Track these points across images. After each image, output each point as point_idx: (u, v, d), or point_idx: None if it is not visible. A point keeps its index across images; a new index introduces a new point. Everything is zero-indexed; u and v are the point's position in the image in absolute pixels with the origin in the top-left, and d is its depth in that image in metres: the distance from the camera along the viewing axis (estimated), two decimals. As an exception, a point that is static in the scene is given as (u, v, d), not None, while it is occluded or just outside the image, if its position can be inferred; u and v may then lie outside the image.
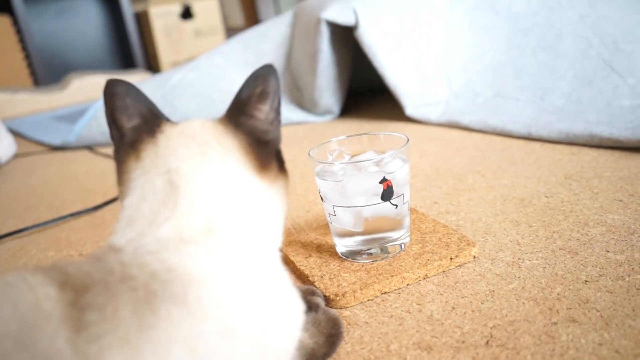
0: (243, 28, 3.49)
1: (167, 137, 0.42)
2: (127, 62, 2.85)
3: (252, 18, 3.82)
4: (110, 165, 1.23)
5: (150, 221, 0.38)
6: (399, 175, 0.59)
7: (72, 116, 1.91)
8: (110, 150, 1.35)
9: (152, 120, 0.44)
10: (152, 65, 2.74)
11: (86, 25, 2.80)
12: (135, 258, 0.35)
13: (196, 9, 2.65)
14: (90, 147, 1.41)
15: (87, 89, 2.32)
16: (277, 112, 0.45)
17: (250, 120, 0.43)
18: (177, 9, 2.60)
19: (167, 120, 0.46)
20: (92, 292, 0.32)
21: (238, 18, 3.78)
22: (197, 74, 1.41)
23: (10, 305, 0.30)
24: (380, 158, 0.59)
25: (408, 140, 0.60)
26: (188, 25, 2.64)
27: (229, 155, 0.42)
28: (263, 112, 0.43)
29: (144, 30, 2.71)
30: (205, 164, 0.40)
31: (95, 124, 1.41)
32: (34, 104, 2.19)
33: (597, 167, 0.83)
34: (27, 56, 2.49)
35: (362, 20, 1.18)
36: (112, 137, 0.45)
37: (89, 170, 1.22)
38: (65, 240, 0.84)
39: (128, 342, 0.30)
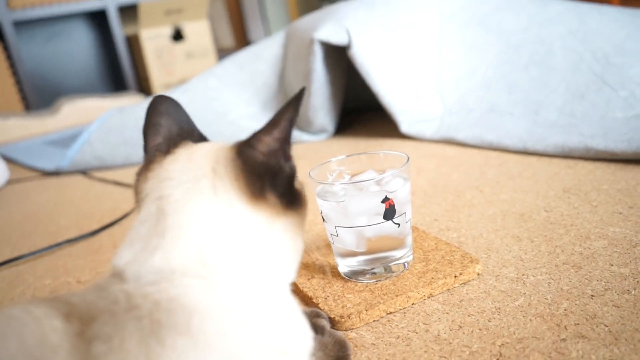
0: (233, 49, 3.51)
1: (173, 159, 0.42)
2: (118, 85, 2.85)
3: (242, 39, 3.84)
4: (105, 190, 1.22)
5: (144, 246, 0.38)
6: (401, 194, 0.58)
7: (65, 141, 1.90)
8: (104, 175, 1.35)
9: (173, 140, 0.44)
10: (144, 88, 2.74)
11: (76, 49, 2.80)
12: (138, 288, 0.35)
13: (187, 30, 2.66)
14: (84, 172, 1.40)
15: (78, 113, 2.31)
16: (284, 142, 0.42)
17: (250, 150, 0.42)
18: (168, 31, 2.61)
19: (196, 140, 0.46)
20: (98, 322, 0.31)
21: (228, 39, 3.80)
22: (191, 96, 1.41)
23: (16, 340, 0.30)
24: (381, 177, 0.59)
25: (408, 158, 0.60)
26: (179, 47, 2.65)
27: (220, 184, 0.40)
28: (264, 142, 0.42)
29: (135, 53, 2.71)
30: (196, 192, 0.40)
31: (89, 148, 1.40)
32: (25, 129, 2.18)
33: (595, 180, 0.83)
34: (18, 81, 2.49)
35: (355, 39, 1.18)
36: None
37: (83, 195, 1.21)
38: (63, 267, 0.83)
39: None
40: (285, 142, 0.43)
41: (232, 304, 0.36)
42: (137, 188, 0.43)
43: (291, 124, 0.42)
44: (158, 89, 2.61)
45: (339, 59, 1.28)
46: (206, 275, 0.37)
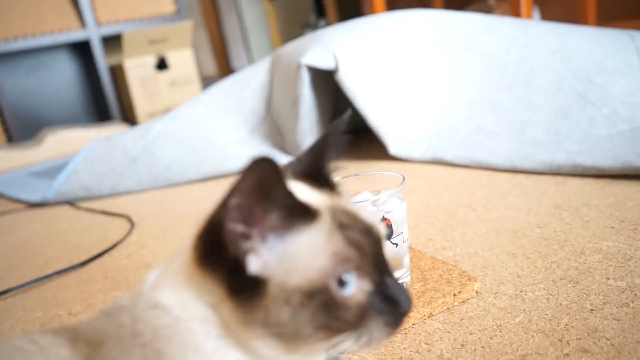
0: (216, 77, 3.53)
1: None
2: (102, 115, 2.83)
3: (225, 67, 3.87)
4: (92, 220, 1.21)
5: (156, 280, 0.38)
6: (397, 214, 0.59)
7: (49, 172, 1.87)
8: (91, 205, 1.33)
9: None
10: (128, 117, 2.73)
11: (59, 80, 2.79)
12: (143, 311, 0.35)
13: (171, 59, 2.67)
14: (70, 203, 1.39)
15: (62, 144, 2.30)
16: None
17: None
18: (152, 60, 2.61)
19: None
20: (106, 346, 0.31)
21: (211, 67, 3.82)
22: (178, 124, 1.41)
23: (22, 372, 0.29)
24: (377, 198, 0.59)
25: (404, 179, 0.60)
26: (163, 75, 2.65)
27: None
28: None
29: (118, 82, 2.71)
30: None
31: (75, 178, 1.38)
32: (8, 161, 2.15)
33: (584, 195, 0.84)
34: (0, 113, 2.47)
35: (341, 64, 1.20)
36: None
37: (71, 226, 1.19)
38: (53, 299, 0.81)
39: None
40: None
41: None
42: None
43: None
44: (143, 118, 2.60)
45: (326, 83, 1.29)
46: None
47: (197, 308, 0.34)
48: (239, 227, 0.33)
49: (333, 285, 0.33)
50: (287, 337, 0.33)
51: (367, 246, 0.35)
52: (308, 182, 0.40)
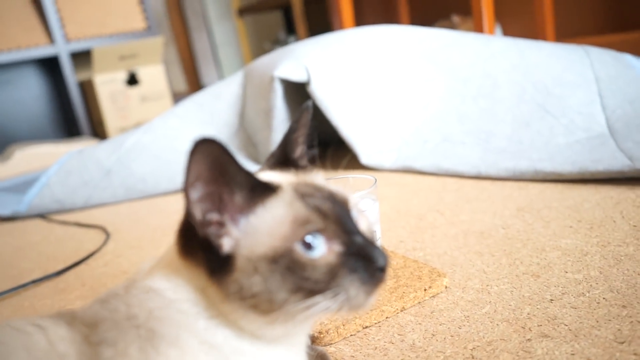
0: (187, 93, 3.54)
1: None
2: (71, 130, 2.81)
3: (195, 84, 3.88)
4: (66, 232, 1.21)
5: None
6: (370, 214, 0.62)
7: (18, 187, 1.85)
8: (64, 217, 1.33)
9: None
10: (98, 132, 2.72)
11: (27, 96, 2.76)
12: (136, 295, 0.37)
13: (142, 75, 2.67)
14: (43, 216, 1.38)
15: (30, 160, 2.27)
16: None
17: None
18: (122, 76, 2.61)
19: None
20: (102, 327, 0.33)
21: (181, 84, 3.83)
22: (152, 136, 1.42)
23: (24, 351, 0.31)
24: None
25: (375, 181, 0.64)
26: (134, 91, 2.65)
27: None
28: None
29: (88, 98, 2.70)
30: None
31: (47, 191, 1.38)
32: (-25, 177, 2.12)
33: (545, 199, 0.89)
34: (-34, 130, 2.43)
35: (313, 76, 1.23)
36: None
37: (44, 238, 1.19)
38: (30, 307, 0.82)
39: None
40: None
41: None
42: None
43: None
44: (113, 133, 2.59)
45: (298, 94, 1.33)
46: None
47: (188, 291, 0.37)
48: (200, 217, 0.36)
49: (298, 248, 0.36)
50: (264, 306, 0.35)
51: (329, 209, 0.38)
52: (280, 169, 0.44)
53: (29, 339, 0.31)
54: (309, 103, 0.45)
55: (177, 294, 0.37)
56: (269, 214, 0.37)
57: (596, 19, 2.04)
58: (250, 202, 0.37)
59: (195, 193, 0.35)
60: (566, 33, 2.05)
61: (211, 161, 0.34)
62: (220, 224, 0.36)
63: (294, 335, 0.40)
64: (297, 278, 0.35)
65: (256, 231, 0.36)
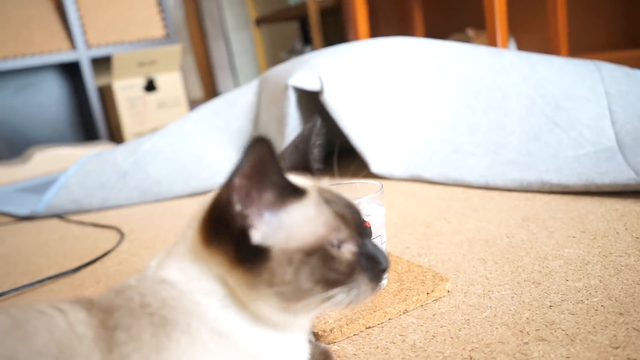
0: (203, 101, 3.59)
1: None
2: (89, 134, 2.87)
3: (212, 91, 3.94)
4: (83, 232, 1.24)
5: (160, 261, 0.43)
6: (376, 218, 0.64)
7: (38, 187, 1.90)
8: (81, 218, 1.36)
9: None
10: (116, 137, 2.77)
11: (47, 99, 2.83)
12: (149, 288, 0.39)
13: (159, 81, 2.72)
14: (60, 216, 1.42)
15: (49, 162, 2.32)
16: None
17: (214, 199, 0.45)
18: (141, 82, 2.67)
19: None
20: (117, 314, 0.36)
21: (198, 91, 3.89)
22: (168, 141, 1.46)
23: (46, 331, 0.33)
24: (358, 202, 0.64)
25: (382, 186, 0.66)
26: (152, 97, 2.70)
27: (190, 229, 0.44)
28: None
29: (107, 103, 2.76)
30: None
31: (65, 192, 1.42)
32: (-5, 177, 2.18)
33: (550, 209, 0.90)
34: (-13, 131, 2.50)
35: (326, 86, 1.26)
36: None
37: (61, 237, 1.23)
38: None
39: None
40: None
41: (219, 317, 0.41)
42: None
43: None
44: (130, 138, 2.65)
45: (311, 103, 1.36)
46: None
47: (202, 282, 0.40)
48: (238, 207, 0.38)
49: (328, 245, 0.41)
50: (289, 293, 0.39)
51: (349, 216, 0.43)
52: (296, 173, 0.48)
53: (50, 321, 0.34)
54: (318, 118, 0.50)
55: (190, 285, 0.40)
56: (301, 213, 0.41)
57: (610, 35, 2.05)
58: (280, 200, 0.41)
59: (238, 182, 0.39)
60: (579, 48, 2.06)
61: (257, 159, 0.38)
62: (244, 216, 0.40)
63: (301, 322, 0.44)
64: (325, 269, 0.40)
65: (289, 228, 0.40)
